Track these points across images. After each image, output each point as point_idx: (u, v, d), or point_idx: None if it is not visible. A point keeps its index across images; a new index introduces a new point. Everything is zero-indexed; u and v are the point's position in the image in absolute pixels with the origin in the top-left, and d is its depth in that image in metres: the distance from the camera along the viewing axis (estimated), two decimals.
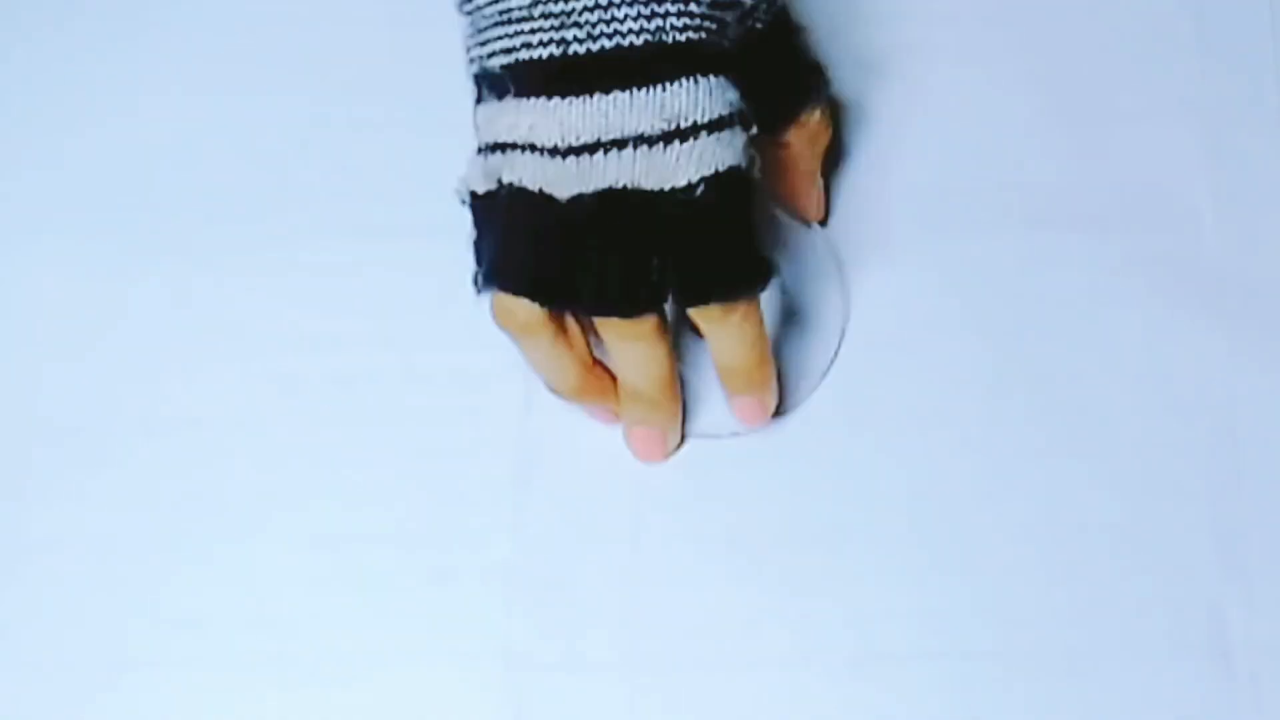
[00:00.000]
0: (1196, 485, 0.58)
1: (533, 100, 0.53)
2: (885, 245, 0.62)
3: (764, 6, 0.57)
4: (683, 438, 0.59)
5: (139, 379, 0.62)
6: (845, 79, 0.64)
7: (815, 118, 0.60)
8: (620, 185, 0.52)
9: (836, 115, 0.62)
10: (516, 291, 0.54)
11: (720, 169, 0.53)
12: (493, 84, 0.54)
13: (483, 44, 0.54)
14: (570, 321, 0.56)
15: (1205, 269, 0.61)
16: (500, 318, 0.55)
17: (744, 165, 0.53)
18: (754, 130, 0.54)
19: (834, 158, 0.63)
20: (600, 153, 0.52)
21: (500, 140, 0.54)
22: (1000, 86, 0.64)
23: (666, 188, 0.52)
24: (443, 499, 0.59)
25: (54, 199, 0.65)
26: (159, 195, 0.65)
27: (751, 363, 0.57)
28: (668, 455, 0.59)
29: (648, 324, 0.55)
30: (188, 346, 0.62)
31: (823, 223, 0.62)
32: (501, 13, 0.53)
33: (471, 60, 0.55)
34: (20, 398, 0.62)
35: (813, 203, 0.61)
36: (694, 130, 0.52)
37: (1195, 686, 0.56)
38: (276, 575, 0.59)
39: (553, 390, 0.58)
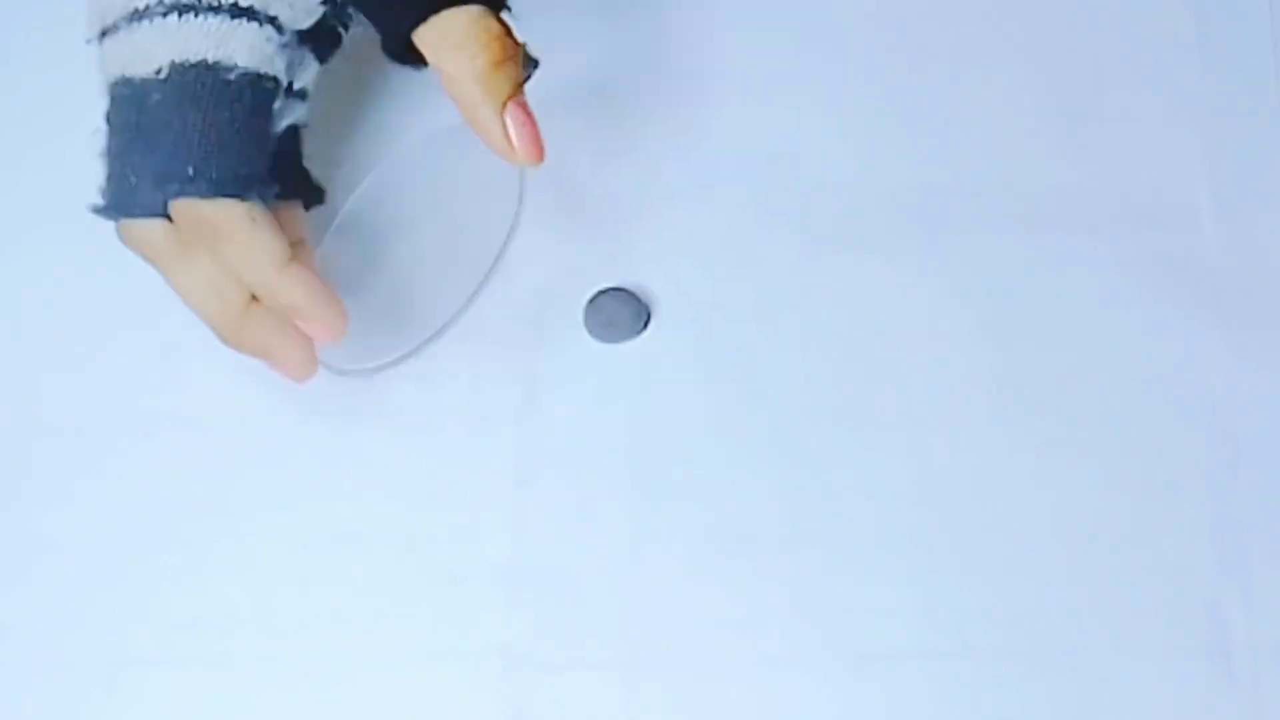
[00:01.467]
0: (1196, 485, 0.58)
1: None
2: (885, 245, 0.62)
3: None
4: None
5: (139, 379, 0.62)
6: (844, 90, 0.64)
7: (459, 23, 0.52)
8: (122, 75, 0.52)
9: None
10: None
11: (192, 59, 0.51)
12: None
13: None
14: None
15: (1205, 269, 0.61)
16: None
17: (224, 61, 0.51)
18: (276, 28, 0.52)
19: (834, 154, 0.63)
20: (98, 41, 0.53)
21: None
22: (1000, 86, 0.64)
23: (142, 75, 0.51)
24: (443, 499, 0.60)
25: (54, 200, 0.65)
26: None
27: (263, 288, 0.54)
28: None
29: (155, 234, 0.54)
30: (187, 346, 0.62)
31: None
32: None
33: None
34: (20, 398, 0.62)
35: (495, 136, 0.53)
36: (148, 12, 0.51)
37: (1195, 686, 0.56)
38: (276, 575, 0.59)
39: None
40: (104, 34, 0.54)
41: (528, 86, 0.55)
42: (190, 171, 0.52)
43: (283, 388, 0.61)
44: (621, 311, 0.60)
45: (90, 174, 0.64)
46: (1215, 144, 0.62)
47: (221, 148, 0.52)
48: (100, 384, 0.62)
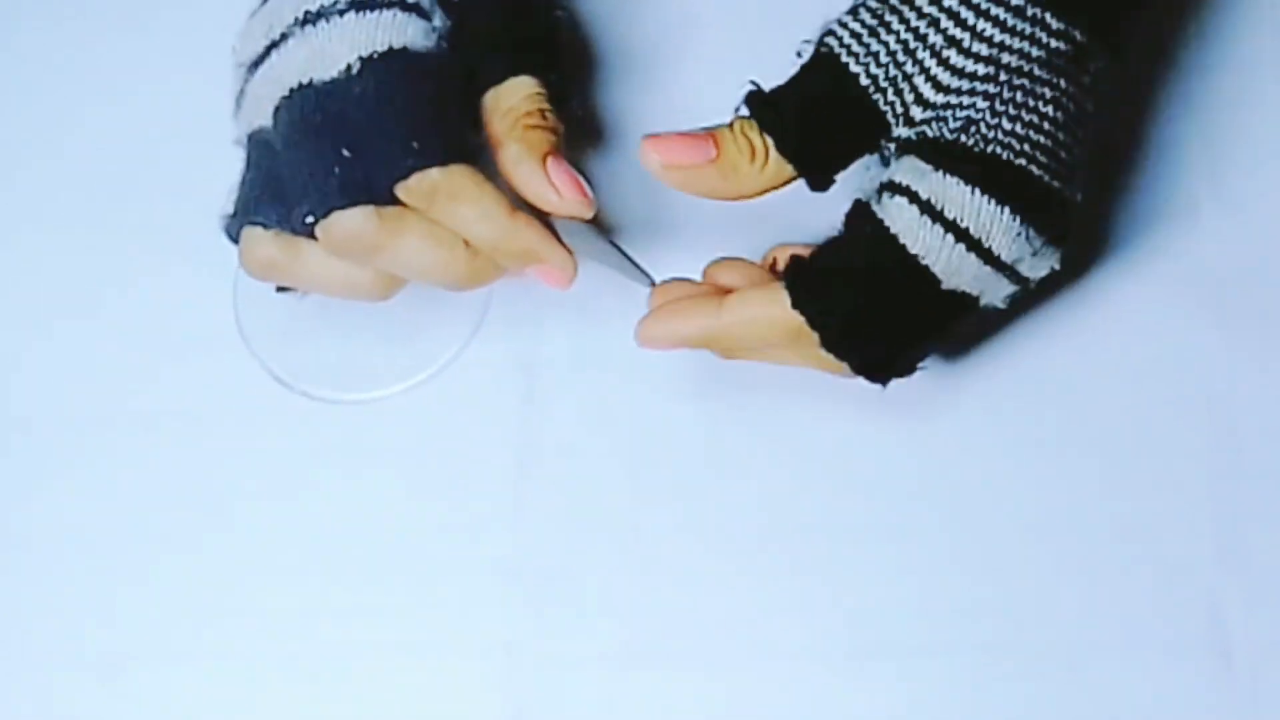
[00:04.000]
0: (1196, 484, 0.58)
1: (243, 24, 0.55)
2: None
3: None
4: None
5: (137, 376, 0.62)
6: None
7: (518, 94, 0.56)
8: (297, 84, 0.52)
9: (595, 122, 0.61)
10: (266, 224, 0.54)
11: (379, 50, 0.52)
12: None
13: None
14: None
15: (1204, 266, 0.61)
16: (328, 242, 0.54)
17: (410, 46, 0.53)
18: (436, 22, 0.54)
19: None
20: (274, 53, 0.53)
21: (241, 76, 0.56)
22: None
23: (330, 76, 0.52)
24: (443, 494, 0.59)
25: (49, 194, 0.65)
26: (155, 193, 0.64)
27: (497, 238, 0.54)
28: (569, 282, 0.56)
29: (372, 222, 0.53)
30: (184, 342, 0.62)
31: (602, 224, 0.59)
32: None
33: None
34: (17, 397, 0.62)
35: (539, 187, 0.55)
36: (334, 10, 0.53)
37: (1195, 686, 0.56)
38: (275, 571, 0.59)
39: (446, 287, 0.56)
40: (271, 47, 0.54)
41: None
42: (416, 147, 0.53)
43: (281, 385, 0.61)
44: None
45: (84, 168, 0.65)
46: (1215, 142, 0.62)
47: (435, 120, 0.54)
48: (97, 381, 0.62)
